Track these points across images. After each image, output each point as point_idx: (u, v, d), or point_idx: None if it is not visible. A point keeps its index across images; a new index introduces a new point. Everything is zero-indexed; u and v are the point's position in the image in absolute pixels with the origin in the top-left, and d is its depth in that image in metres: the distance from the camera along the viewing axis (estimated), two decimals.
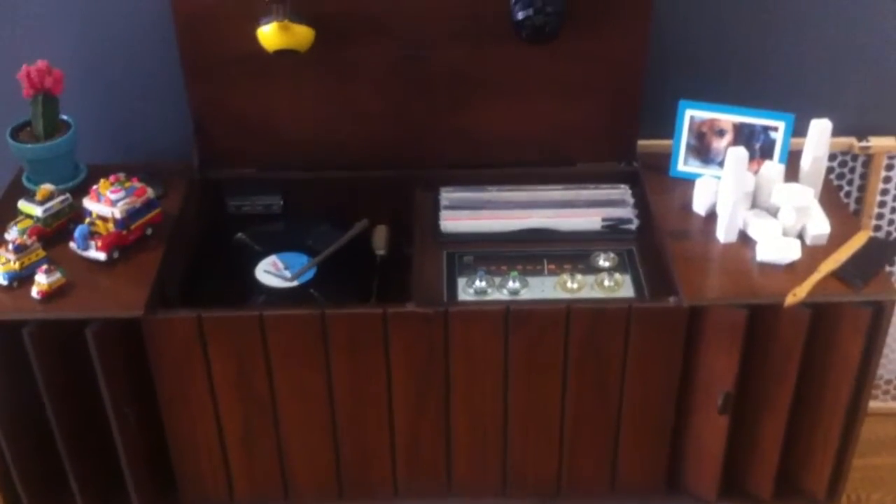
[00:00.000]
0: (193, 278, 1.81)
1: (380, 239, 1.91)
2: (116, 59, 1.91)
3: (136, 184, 1.71)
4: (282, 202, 1.95)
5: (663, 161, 1.87)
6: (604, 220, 1.80)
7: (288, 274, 1.79)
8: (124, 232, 1.66)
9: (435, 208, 1.86)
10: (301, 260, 1.83)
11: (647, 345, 1.60)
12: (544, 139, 1.90)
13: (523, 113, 1.87)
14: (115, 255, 1.65)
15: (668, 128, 1.84)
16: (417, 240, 1.79)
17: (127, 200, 1.66)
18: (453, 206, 1.85)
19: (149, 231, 1.71)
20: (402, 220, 1.89)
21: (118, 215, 1.65)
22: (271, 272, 1.80)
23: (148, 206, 1.70)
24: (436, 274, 1.71)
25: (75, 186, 1.81)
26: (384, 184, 1.92)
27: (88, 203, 1.68)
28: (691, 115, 1.80)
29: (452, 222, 1.81)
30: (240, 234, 1.90)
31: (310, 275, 1.80)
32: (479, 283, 1.67)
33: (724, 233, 1.66)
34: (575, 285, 1.67)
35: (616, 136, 1.89)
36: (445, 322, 1.58)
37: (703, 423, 1.68)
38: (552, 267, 1.73)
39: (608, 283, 1.67)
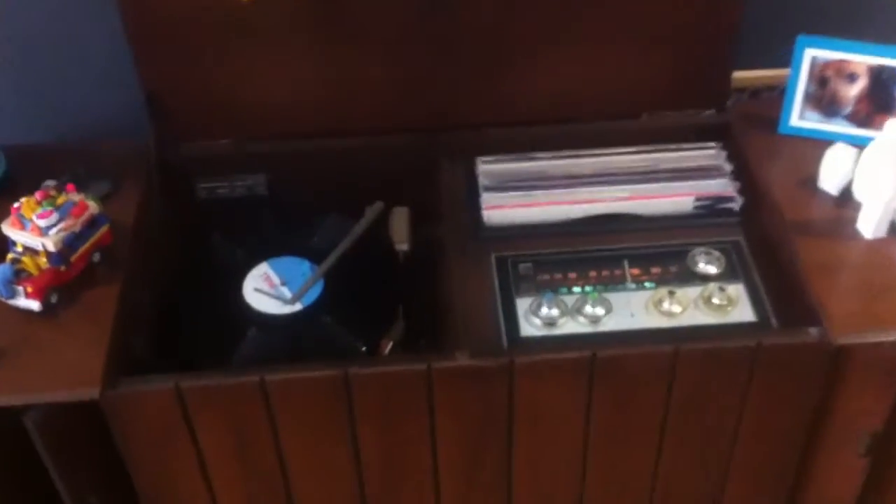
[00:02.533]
0: (165, 311, 1.38)
1: (400, 227, 1.48)
2: (39, 14, 1.42)
3: (73, 196, 1.25)
4: (266, 182, 1.50)
5: (765, 110, 1.43)
6: (697, 199, 1.38)
7: (286, 292, 1.37)
8: (63, 268, 1.22)
9: (469, 184, 1.43)
10: (301, 267, 1.40)
11: (774, 387, 1.21)
12: (601, 86, 1.44)
13: (575, 55, 1.41)
14: (54, 299, 1.22)
15: (764, 56, 1.40)
16: (450, 235, 1.36)
17: (61, 225, 1.21)
18: (495, 187, 1.41)
19: (96, 258, 1.27)
20: (425, 198, 1.46)
21: (52, 248, 1.20)
22: (263, 290, 1.37)
23: (91, 225, 1.26)
24: (485, 294, 1.29)
25: None
26: (398, 153, 1.48)
27: (10, 231, 1.22)
28: (813, 55, 1.34)
29: (498, 211, 1.38)
30: (215, 236, 1.46)
31: (316, 291, 1.37)
32: (548, 311, 1.25)
33: (874, 227, 1.25)
34: (675, 308, 1.25)
35: (699, 76, 1.44)
36: (510, 376, 1.18)
37: (833, 465, 1.32)
38: (635, 272, 1.31)
39: (717, 301, 1.26)
